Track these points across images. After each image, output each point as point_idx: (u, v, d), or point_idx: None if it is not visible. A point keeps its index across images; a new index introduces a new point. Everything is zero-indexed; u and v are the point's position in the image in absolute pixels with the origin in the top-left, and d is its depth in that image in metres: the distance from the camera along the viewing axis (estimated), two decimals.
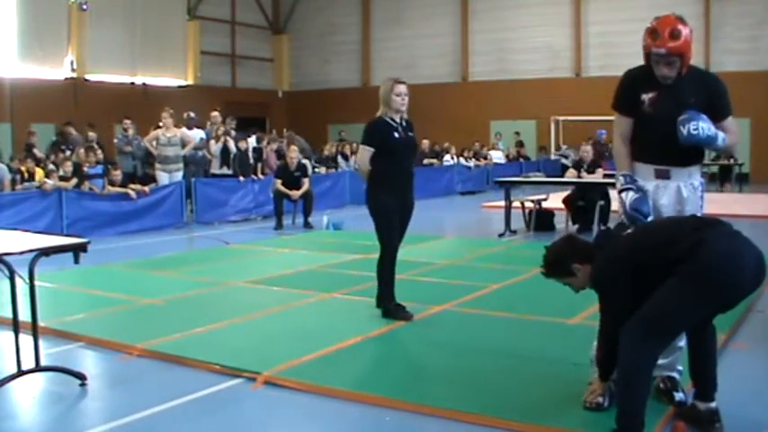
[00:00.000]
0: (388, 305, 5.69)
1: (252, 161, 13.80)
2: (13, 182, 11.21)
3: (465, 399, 3.93)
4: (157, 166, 12.43)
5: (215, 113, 14.61)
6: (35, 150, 13.51)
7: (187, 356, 4.71)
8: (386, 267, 5.70)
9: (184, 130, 13.24)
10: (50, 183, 10.85)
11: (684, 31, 3.70)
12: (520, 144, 22.99)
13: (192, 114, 14.11)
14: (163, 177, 12.34)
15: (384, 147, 5.59)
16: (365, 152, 5.66)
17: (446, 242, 10.43)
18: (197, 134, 13.69)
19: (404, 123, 5.71)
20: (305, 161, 13.41)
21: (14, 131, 18.39)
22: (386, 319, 5.61)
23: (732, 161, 19.93)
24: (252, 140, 14.46)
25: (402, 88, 5.62)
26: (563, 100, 22.58)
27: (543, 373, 4.34)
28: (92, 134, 13.82)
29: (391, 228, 5.65)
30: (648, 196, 3.87)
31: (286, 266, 8.09)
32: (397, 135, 5.61)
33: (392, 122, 5.63)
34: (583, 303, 5.88)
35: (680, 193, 3.89)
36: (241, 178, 13.10)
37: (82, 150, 12.62)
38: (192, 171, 13.22)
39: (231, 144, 13.30)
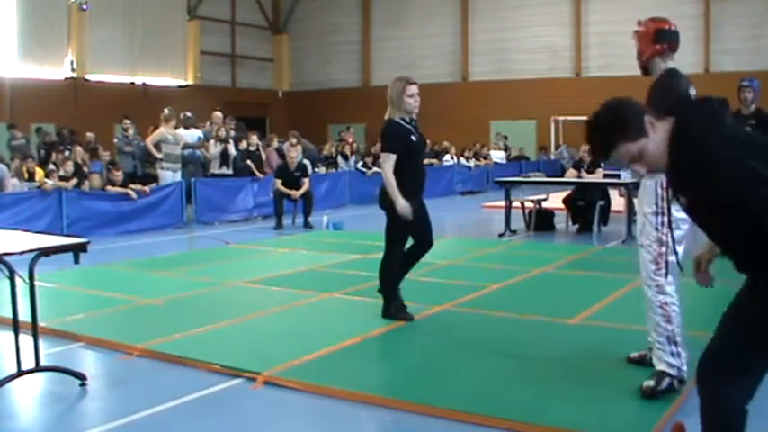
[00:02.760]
0: (389, 305, 5.66)
1: (246, 161, 13.78)
2: None
3: (465, 399, 3.93)
4: (165, 165, 12.39)
5: (217, 113, 14.57)
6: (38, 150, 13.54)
7: (187, 356, 4.71)
8: (390, 268, 5.62)
9: (181, 130, 13.24)
10: (50, 182, 10.83)
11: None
12: (505, 146, 22.71)
13: (189, 114, 14.10)
14: (167, 176, 12.31)
15: (405, 151, 5.41)
16: (390, 160, 5.37)
17: (446, 242, 10.41)
18: (194, 134, 13.67)
19: (413, 123, 5.55)
20: (305, 161, 13.40)
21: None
22: (386, 318, 5.60)
23: None
24: (245, 143, 14.31)
25: (414, 89, 5.42)
26: (563, 100, 22.56)
27: (543, 373, 4.34)
28: (89, 135, 13.84)
29: (405, 232, 5.53)
30: None
31: (286, 266, 8.09)
32: (414, 138, 5.47)
33: (406, 124, 5.47)
34: (583, 303, 5.90)
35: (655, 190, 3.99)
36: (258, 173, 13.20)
37: (80, 149, 12.66)
38: (191, 171, 13.21)
39: (231, 148, 13.27)
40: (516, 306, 6.05)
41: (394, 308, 5.62)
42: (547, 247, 9.75)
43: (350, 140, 19.22)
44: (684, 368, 3.87)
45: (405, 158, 5.41)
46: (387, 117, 5.49)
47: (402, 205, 5.30)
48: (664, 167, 2.41)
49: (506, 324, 5.54)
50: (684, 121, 2.36)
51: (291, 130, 15.58)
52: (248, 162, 13.54)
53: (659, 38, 4.11)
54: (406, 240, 5.61)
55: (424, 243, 5.68)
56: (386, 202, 5.48)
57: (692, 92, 4.18)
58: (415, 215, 5.46)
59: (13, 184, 10.93)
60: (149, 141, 12.66)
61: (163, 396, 4.05)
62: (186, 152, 13.05)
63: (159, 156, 12.42)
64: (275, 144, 15.32)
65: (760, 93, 7.56)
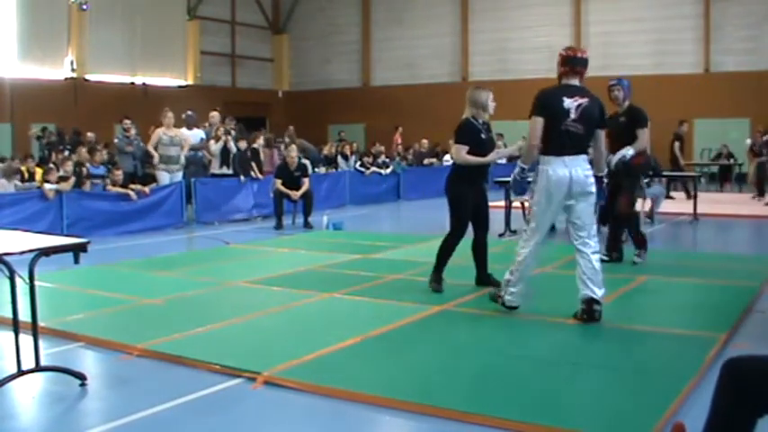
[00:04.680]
0: (434, 272, 6.54)
1: (251, 162, 13.78)
2: None
3: (465, 399, 3.93)
4: (160, 165, 12.39)
5: (214, 113, 14.60)
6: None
7: (187, 356, 4.70)
8: (447, 244, 6.60)
9: (183, 130, 13.23)
10: (51, 187, 10.73)
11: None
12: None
13: (190, 113, 14.09)
14: (164, 177, 12.31)
15: (475, 144, 6.46)
16: (462, 150, 6.50)
17: None
18: (197, 134, 13.67)
19: (485, 125, 6.60)
20: (305, 161, 13.40)
21: (14, 131, 18.40)
22: (387, 317, 5.61)
23: (732, 161, 19.94)
24: (241, 143, 14.26)
25: (492, 95, 6.64)
26: None
27: (543, 373, 4.34)
28: (90, 134, 13.84)
29: (464, 215, 6.57)
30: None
31: (286, 266, 8.09)
32: (483, 136, 6.53)
33: (479, 124, 6.52)
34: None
35: None
36: (242, 178, 13.11)
37: (84, 150, 12.64)
38: (193, 171, 13.21)
39: (231, 144, 13.30)
40: None
41: (435, 277, 6.55)
42: (547, 247, 9.72)
43: (399, 141, 19.27)
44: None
45: (473, 151, 6.46)
46: (464, 117, 6.56)
47: (492, 158, 6.67)
48: None
49: (506, 324, 5.54)
50: None
51: (287, 130, 15.59)
52: (252, 164, 13.54)
53: (563, 62, 5.53)
54: (466, 224, 6.59)
55: (480, 229, 6.72)
56: (447, 191, 6.72)
57: (567, 102, 5.27)
58: (474, 201, 6.57)
59: (1, 184, 10.88)
60: (150, 143, 12.67)
61: (163, 396, 4.05)
62: (189, 153, 13.04)
63: (154, 156, 12.43)
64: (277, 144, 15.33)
65: (630, 91, 7.75)
